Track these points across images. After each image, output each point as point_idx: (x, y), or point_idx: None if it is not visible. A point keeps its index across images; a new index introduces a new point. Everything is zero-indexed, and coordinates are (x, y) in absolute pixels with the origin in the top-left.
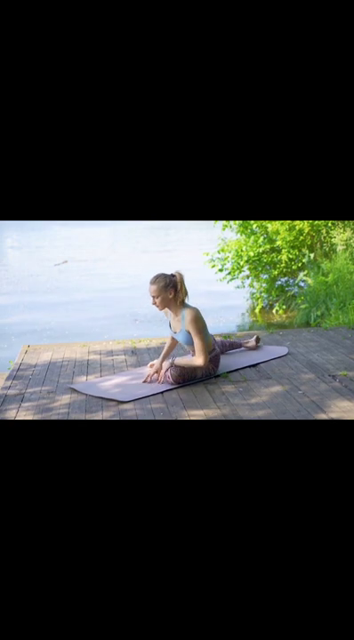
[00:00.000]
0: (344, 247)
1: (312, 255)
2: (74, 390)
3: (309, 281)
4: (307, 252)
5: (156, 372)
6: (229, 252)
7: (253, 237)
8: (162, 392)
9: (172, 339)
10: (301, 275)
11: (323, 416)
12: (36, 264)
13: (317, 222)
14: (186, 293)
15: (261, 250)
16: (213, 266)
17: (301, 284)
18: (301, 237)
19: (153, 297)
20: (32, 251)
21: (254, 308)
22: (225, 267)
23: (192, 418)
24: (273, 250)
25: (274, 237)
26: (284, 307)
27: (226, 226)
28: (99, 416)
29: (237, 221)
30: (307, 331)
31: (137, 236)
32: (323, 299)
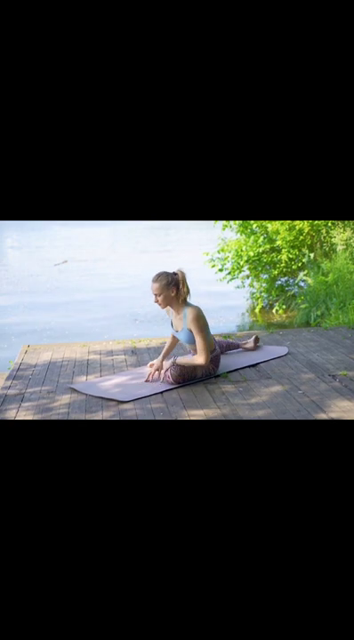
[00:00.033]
0: (344, 247)
1: (312, 255)
2: (74, 390)
3: (309, 281)
4: (307, 251)
5: (157, 370)
6: (229, 252)
7: (253, 237)
8: (162, 392)
9: (173, 337)
10: (301, 274)
11: (323, 416)
12: (36, 264)
13: (317, 222)
14: (188, 292)
15: (261, 250)
16: (213, 266)
17: (301, 284)
18: (301, 237)
19: (155, 295)
20: (32, 251)
21: (254, 308)
22: (225, 267)
23: (192, 418)
24: (273, 250)
25: (274, 237)
26: (284, 306)
27: (226, 226)
28: (99, 416)
29: (237, 221)
30: (307, 330)
31: (137, 236)
32: (323, 298)
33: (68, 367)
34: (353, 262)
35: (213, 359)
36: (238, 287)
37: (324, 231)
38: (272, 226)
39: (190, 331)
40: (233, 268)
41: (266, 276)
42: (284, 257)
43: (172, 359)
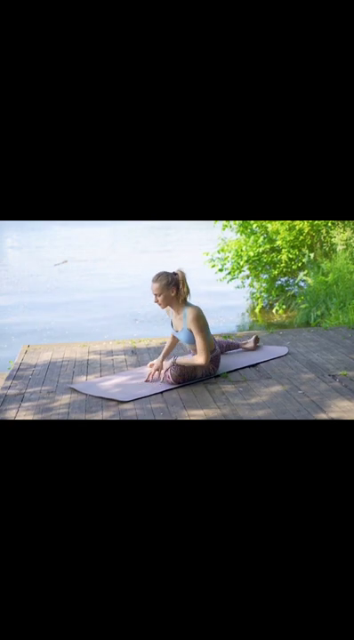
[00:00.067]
0: (344, 247)
1: (312, 255)
2: (74, 390)
3: (309, 281)
4: (307, 251)
5: (157, 369)
6: (229, 252)
7: (252, 237)
8: (162, 392)
9: (173, 337)
10: (301, 274)
11: (323, 416)
12: (36, 264)
13: (317, 222)
14: (188, 292)
15: (260, 250)
16: (213, 266)
17: (301, 284)
18: (301, 237)
19: (155, 295)
20: (32, 251)
21: (254, 308)
22: (225, 267)
23: (192, 418)
24: (273, 250)
25: (274, 237)
26: (284, 306)
27: (226, 226)
28: (99, 416)
29: (237, 221)
30: (307, 330)
31: (137, 235)
32: (323, 298)
33: (68, 367)
34: (353, 262)
35: (213, 359)
36: (238, 287)
37: (324, 231)
38: (272, 226)
39: (190, 331)
40: (233, 268)
41: (266, 275)
42: (284, 257)
43: (172, 359)
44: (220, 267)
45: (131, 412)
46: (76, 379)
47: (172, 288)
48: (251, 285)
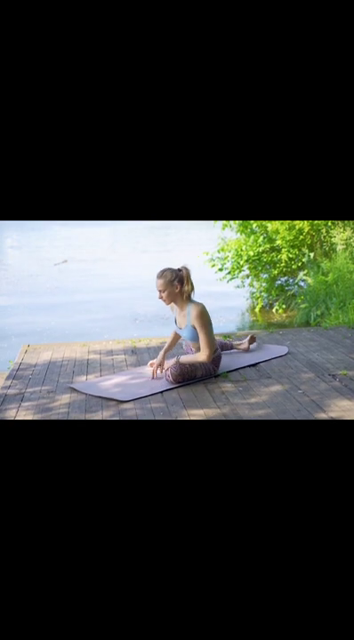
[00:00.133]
0: (344, 246)
1: (312, 254)
2: (74, 390)
3: (309, 280)
4: (307, 251)
5: (160, 365)
6: (229, 252)
7: (252, 237)
8: (162, 392)
9: (175, 334)
10: (300, 274)
11: (323, 415)
12: (36, 264)
13: (316, 222)
14: (192, 288)
15: (260, 249)
16: (213, 265)
17: (301, 284)
18: (301, 237)
19: (159, 291)
20: (32, 251)
21: (254, 308)
22: (225, 266)
23: (192, 417)
24: (273, 249)
25: (274, 237)
26: (284, 306)
27: (226, 225)
28: (99, 415)
29: (237, 221)
30: (307, 330)
31: (137, 235)
32: (323, 298)
33: (68, 367)
34: (353, 262)
35: (215, 359)
36: (238, 287)
37: (324, 231)
38: (272, 225)
39: (194, 327)
40: (233, 268)
41: (266, 275)
42: (284, 256)
43: (175, 358)
44: (220, 266)
45: (131, 412)
46: (75, 378)
47: (177, 284)
48: (251, 285)
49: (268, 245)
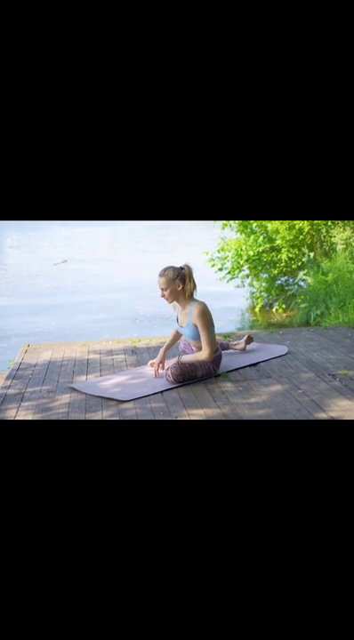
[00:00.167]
0: (344, 246)
1: (312, 254)
2: (74, 389)
3: (309, 280)
4: (307, 251)
5: (161, 362)
6: (229, 252)
7: (252, 237)
8: (162, 391)
9: (177, 332)
10: (300, 274)
11: (323, 415)
12: (36, 264)
13: (316, 221)
14: (194, 287)
15: (260, 249)
16: (213, 265)
17: (301, 284)
18: (301, 236)
19: (162, 289)
20: (32, 251)
21: (254, 308)
22: (225, 266)
23: (192, 417)
24: (273, 249)
25: (274, 236)
26: (283, 306)
27: (226, 225)
28: (99, 415)
29: (237, 221)
30: (307, 330)
31: (137, 235)
32: (323, 298)
33: (68, 367)
34: (353, 262)
35: (215, 359)
36: (238, 286)
37: (324, 230)
38: (272, 225)
39: (195, 326)
40: (233, 268)
41: (266, 275)
42: (283, 256)
43: (176, 357)
44: (219, 266)
45: (131, 412)
46: (75, 378)
47: (179, 282)
48: (251, 285)
49: (268, 245)
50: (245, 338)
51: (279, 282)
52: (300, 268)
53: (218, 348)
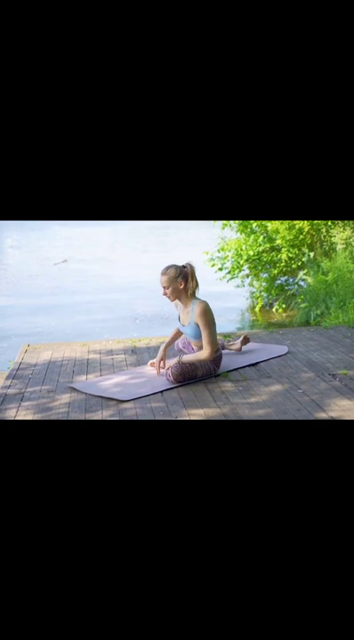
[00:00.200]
0: (344, 246)
1: (312, 254)
2: (74, 389)
3: (309, 280)
4: (307, 250)
5: (161, 360)
6: (229, 251)
7: (252, 236)
8: (162, 391)
9: (177, 331)
10: (300, 274)
11: (323, 415)
12: (36, 264)
13: (316, 221)
14: (196, 285)
15: (260, 249)
16: (213, 265)
17: (301, 283)
18: (301, 236)
19: (164, 288)
20: (32, 251)
21: (254, 307)
22: (225, 266)
23: (192, 417)
24: (273, 249)
25: (274, 236)
26: (283, 306)
27: (226, 225)
28: (99, 415)
29: (237, 221)
30: (307, 330)
31: (137, 235)
32: (323, 297)
33: (68, 366)
34: (353, 261)
35: (216, 358)
36: (238, 286)
37: (324, 230)
38: (272, 225)
39: (197, 325)
40: (233, 268)
41: (266, 275)
42: (283, 256)
43: (176, 357)
44: (219, 266)
45: (131, 412)
46: (75, 378)
47: (181, 281)
48: (251, 284)
49: (268, 245)
50: (241, 338)
51: (279, 282)
52: (300, 268)
53: (219, 348)
